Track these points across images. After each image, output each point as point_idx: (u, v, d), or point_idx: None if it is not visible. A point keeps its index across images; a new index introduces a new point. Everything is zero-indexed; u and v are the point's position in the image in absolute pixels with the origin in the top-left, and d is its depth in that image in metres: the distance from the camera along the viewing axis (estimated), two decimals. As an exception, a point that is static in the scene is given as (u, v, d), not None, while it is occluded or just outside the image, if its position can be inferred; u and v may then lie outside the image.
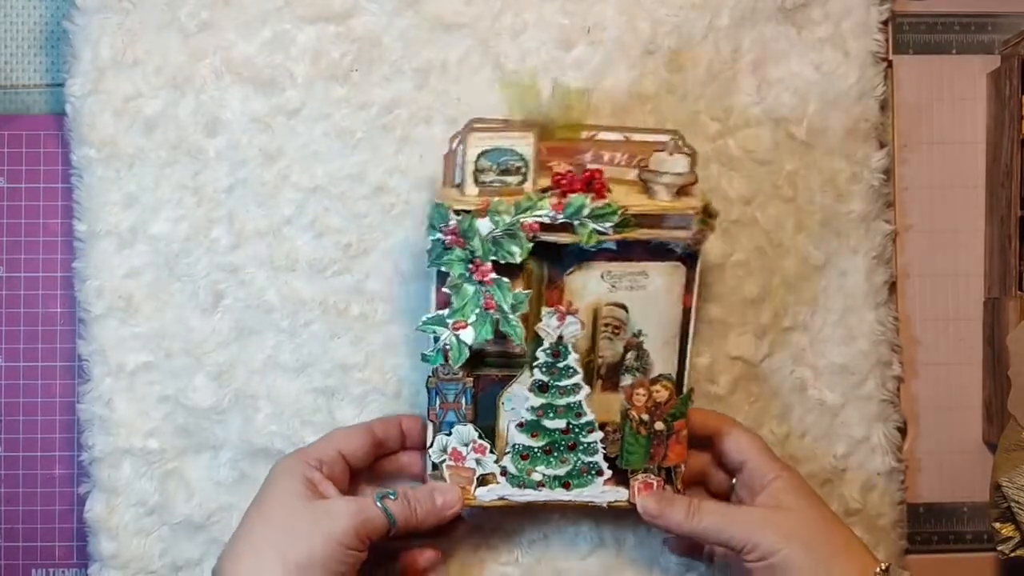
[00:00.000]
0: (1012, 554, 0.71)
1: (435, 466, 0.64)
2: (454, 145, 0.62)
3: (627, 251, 0.62)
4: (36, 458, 0.72)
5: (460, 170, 0.61)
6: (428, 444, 0.64)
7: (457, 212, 0.60)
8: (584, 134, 0.63)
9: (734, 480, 0.65)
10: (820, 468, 0.72)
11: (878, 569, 0.60)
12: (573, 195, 0.60)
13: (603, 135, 0.63)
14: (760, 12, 0.72)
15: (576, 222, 0.60)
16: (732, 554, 0.62)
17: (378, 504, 0.61)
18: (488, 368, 0.64)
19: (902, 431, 0.74)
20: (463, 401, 0.63)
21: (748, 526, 0.61)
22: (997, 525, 0.71)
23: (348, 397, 0.70)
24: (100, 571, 0.69)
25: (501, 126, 0.62)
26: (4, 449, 0.72)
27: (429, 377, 0.63)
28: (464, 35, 0.71)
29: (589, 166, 0.62)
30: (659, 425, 0.64)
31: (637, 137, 0.63)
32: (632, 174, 0.63)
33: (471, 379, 0.63)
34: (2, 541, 0.72)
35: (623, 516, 0.71)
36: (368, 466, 0.66)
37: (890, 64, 0.75)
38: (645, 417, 0.63)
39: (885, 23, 0.74)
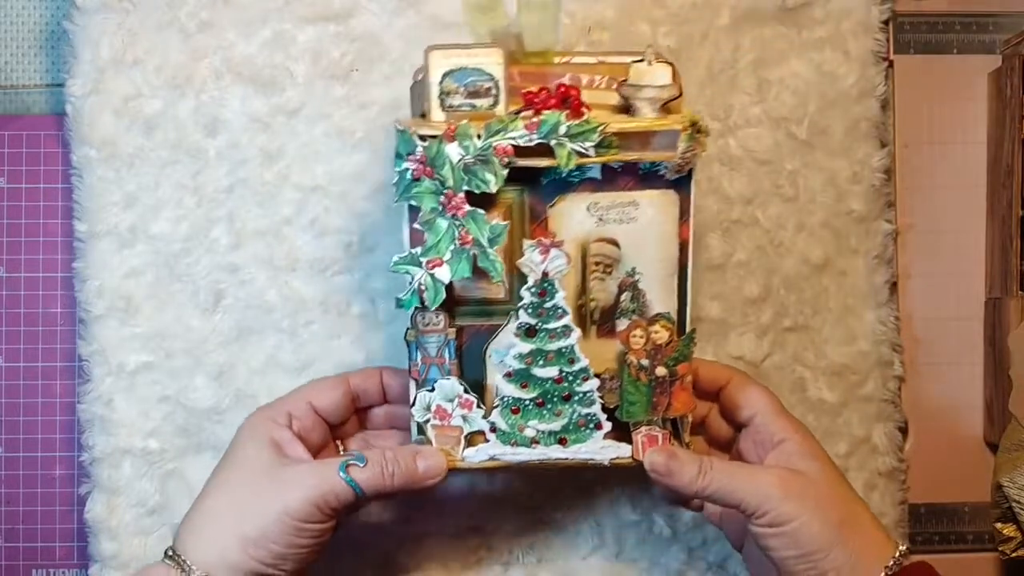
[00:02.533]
0: (1013, 554, 0.71)
1: (420, 428, 0.59)
2: (418, 77, 0.57)
3: (613, 179, 0.57)
4: (36, 458, 0.72)
5: (425, 92, 0.55)
6: (411, 403, 0.59)
7: (423, 138, 0.55)
8: (557, 60, 0.58)
9: (740, 433, 0.62)
10: (821, 468, 0.72)
11: (897, 553, 0.57)
12: (547, 112, 0.55)
13: (578, 59, 0.59)
14: (760, 12, 0.72)
15: (553, 142, 0.55)
16: (734, 512, 0.58)
17: (341, 474, 0.56)
18: (471, 318, 0.58)
19: (903, 431, 0.74)
20: (446, 355, 0.58)
21: (762, 490, 0.56)
22: (998, 525, 0.71)
23: (348, 397, 0.70)
24: (100, 571, 0.69)
25: (467, 47, 0.56)
26: (4, 449, 0.72)
27: (408, 330, 0.58)
28: (464, 35, 0.70)
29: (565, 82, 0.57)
30: (660, 370, 0.58)
31: (613, 60, 0.58)
32: (613, 99, 0.57)
33: (453, 330, 0.58)
34: (2, 541, 0.72)
35: (623, 516, 0.71)
36: (346, 419, 0.63)
37: (891, 64, 0.75)
38: (645, 362, 0.58)
39: (886, 23, 0.74)
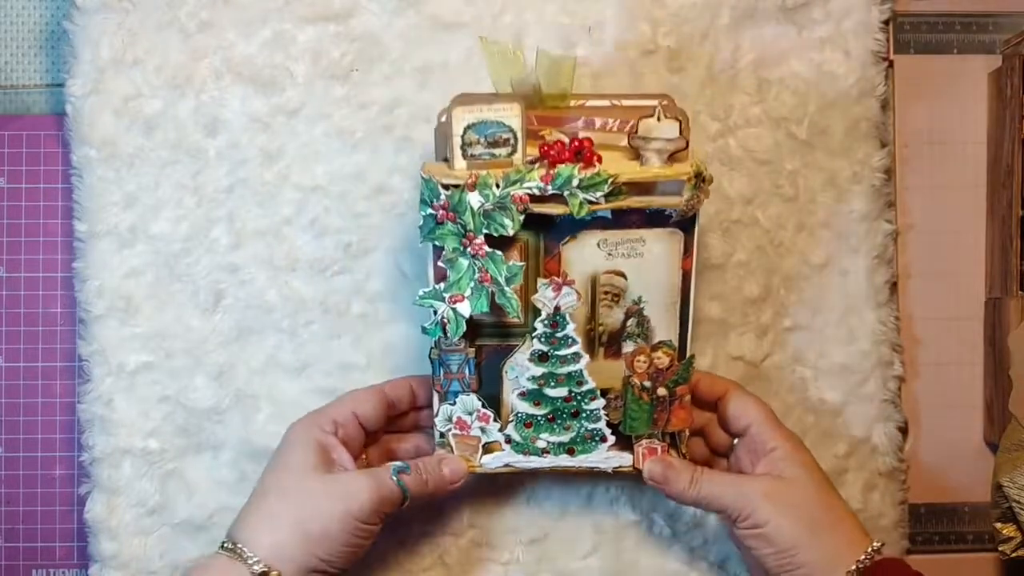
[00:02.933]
0: (1013, 554, 0.71)
1: (442, 435, 0.65)
2: (442, 119, 0.61)
3: (622, 219, 0.61)
4: (36, 458, 0.72)
5: (448, 143, 0.60)
6: (435, 414, 0.65)
7: (446, 187, 0.60)
8: (573, 102, 0.63)
9: (735, 441, 0.66)
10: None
11: (870, 548, 0.61)
12: (561, 166, 0.59)
13: (592, 102, 0.63)
14: (761, 12, 0.72)
15: (566, 192, 0.59)
16: (727, 520, 0.64)
17: (393, 478, 0.62)
18: (490, 339, 0.64)
19: (903, 431, 0.74)
20: (466, 371, 0.64)
21: (744, 496, 0.62)
22: (998, 525, 0.71)
23: (348, 397, 0.70)
24: (100, 571, 0.69)
25: (487, 99, 0.60)
26: (4, 449, 0.72)
27: (432, 348, 0.63)
28: (464, 35, 0.71)
29: (580, 134, 0.61)
30: (661, 391, 0.63)
31: (627, 103, 0.62)
32: (625, 140, 0.61)
33: (473, 349, 0.63)
34: (2, 541, 0.72)
35: (623, 516, 0.71)
36: (381, 427, 0.66)
37: (891, 64, 0.75)
38: (647, 383, 0.63)
39: (886, 23, 0.74)
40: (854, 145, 0.72)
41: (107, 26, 0.69)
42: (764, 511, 0.61)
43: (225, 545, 0.60)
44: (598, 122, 0.62)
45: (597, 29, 0.71)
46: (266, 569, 0.58)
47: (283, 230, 0.70)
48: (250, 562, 0.58)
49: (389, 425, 0.67)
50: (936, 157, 0.76)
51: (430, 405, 0.66)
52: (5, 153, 0.73)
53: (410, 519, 0.70)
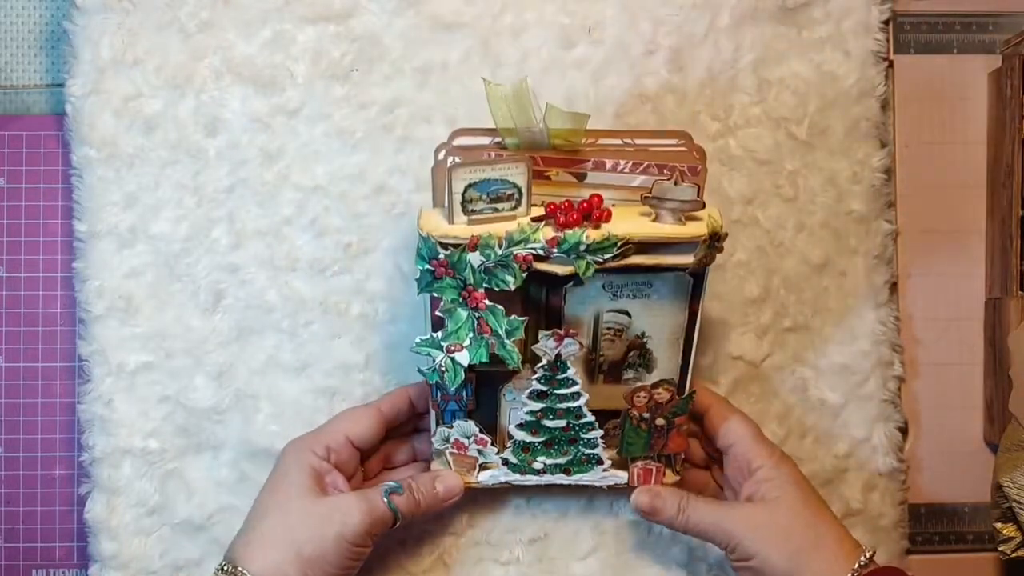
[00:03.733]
0: (1013, 554, 0.70)
1: (440, 452, 0.65)
2: (439, 157, 0.59)
3: (630, 268, 0.58)
4: (36, 458, 0.72)
5: (447, 200, 0.57)
6: (432, 432, 0.65)
7: (444, 246, 0.57)
8: (584, 140, 0.60)
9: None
10: (821, 468, 0.72)
11: (862, 558, 0.61)
12: (569, 231, 0.56)
13: (603, 140, 0.60)
14: (761, 12, 0.72)
15: (573, 256, 0.57)
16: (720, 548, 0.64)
17: (385, 500, 0.62)
18: (488, 365, 0.61)
19: (903, 431, 0.74)
20: (464, 394, 0.63)
21: (729, 528, 0.63)
22: (998, 525, 0.71)
23: (349, 397, 0.70)
24: (100, 572, 0.69)
25: (490, 161, 0.57)
26: (4, 449, 0.72)
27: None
28: (464, 35, 0.71)
29: (589, 175, 0.58)
30: (660, 421, 0.64)
31: (640, 141, 0.60)
32: (638, 180, 0.59)
33: (472, 375, 0.63)
34: (2, 541, 0.72)
35: (623, 516, 0.71)
36: (377, 446, 0.67)
37: (891, 64, 0.75)
38: (646, 415, 0.63)
39: (886, 23, 0.74)
40: (854, 145, 0.72)
41: (107, 26, 0.69)
42: (751, 544, 0.62)
43: (224, 568, 0.60)
44: (608, 163, 0.59)
45: (597, 29, 0.71)
46: None
47: (283, 230, 0.70)
48: None
49: (388, 435, 0.67)
50: (936, 157, 0.76)
51: (428, 411, 0.65)
52: (5, 153, 0.73)
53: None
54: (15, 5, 0.74)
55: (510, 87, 0.57)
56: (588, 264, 0.57)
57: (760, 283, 0.72)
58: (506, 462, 0.65)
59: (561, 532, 0.71)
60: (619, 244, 0.56)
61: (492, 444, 0.64)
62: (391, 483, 0.63)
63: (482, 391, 0.64)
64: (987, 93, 0.76)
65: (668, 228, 0.57)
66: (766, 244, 0.72)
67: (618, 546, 0.71)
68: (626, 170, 0.59)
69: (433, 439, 0.65)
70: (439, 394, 0.63)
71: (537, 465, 0.64)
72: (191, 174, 0.70)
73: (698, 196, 0.58)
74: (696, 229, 0.57)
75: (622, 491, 0.70)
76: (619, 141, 0.60)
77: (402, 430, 0.68)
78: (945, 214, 0.75)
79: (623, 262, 0.57)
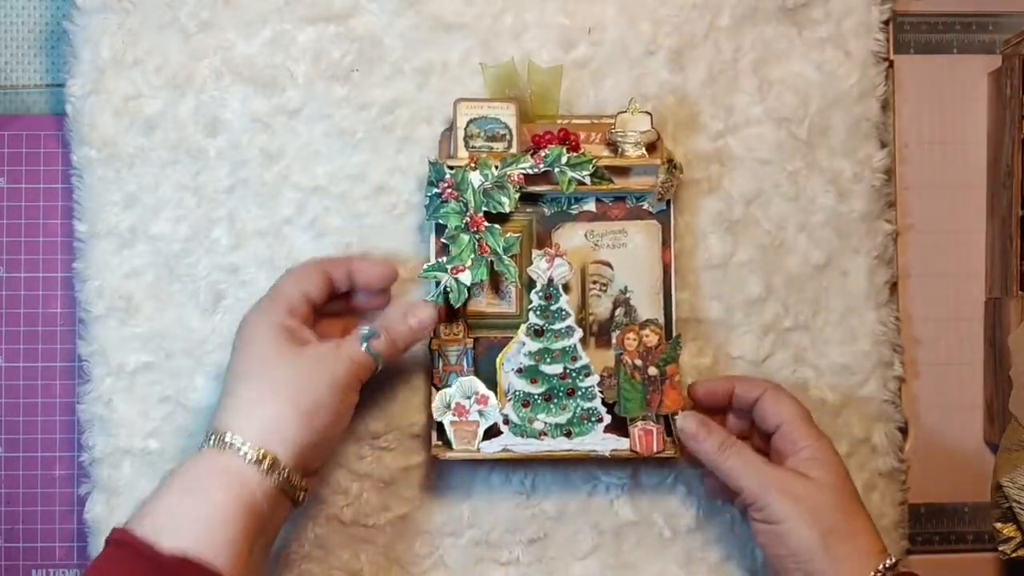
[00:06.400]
0: (1013, 554, 0.71)
1: (440, 427, 0.66)
2: (446, 130, 0.68)
3: (605, 211, 0.69)
4: (36, 458, 0.72)
5: (452, 135, 0.67)
6: (432, 403, 0.66)
7: (450, 168, 0.66)
8: (560, 121, 0.69)
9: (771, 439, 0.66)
10: (821, 468, 0.72)
11: (883, 564, 0.61)
12: (551, 147, 0.67)
13: (576, 120, 0.69)
14: (761, 12, 0.72)
15: (556, 170, 0.66)
16: (743, 506, 0.64)
17: (363, 347, 0.62)
18: (486, 330, 0.68)
19: (903, 431, 0.74)
20: (464, 363, 0.67)
21: (764, 484, 0.62)
22: (998, 525, 0.71)
23: (349, 397, 0.70)
24: (100, 571, 0.69)
25: (485, 98, 0.69)
26: (4, 449, 0.72)
27: (431, 339, 0.67)
28: (465, 35, 0.71)
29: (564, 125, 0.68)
30: (652, 370, 0.66)
31: (606, 120, 0.69)
32: (605, 151, 0.68)
33: (471, 340, 0.67)
34: (2, 541, 0.72)
35: (623, 516, 0.71)
36: (327, 301, 0.65)
37: (891, 64, 0.75)
38: (638, 362, 0.66)
39: (886, 23, 0.74)
40: (855, 145, 0.72)
41: (107, 26, 0.69)
42: (781, 508, 0.61)
43: (210, 439, 0.57)
44: (582, 135, 0.68)
45: (597, 29, 0.71)
46: (259, 454, 0.57)
47: (283, 230, 0.70)
48: (241, 451, 0.57)
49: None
50: (936, 157, 0.76)
51: (372, 288, 0.66)
52: (5, 153, 0.73)
53: (409, 517, 0.70)
54: (15, 5, 0.74)
55: (501, 65, 0.69)
56: (570, 180, 0.67)
57: (761, 283, 0.72)
58: (507, 420, 0.66)
59: (561, 532, 0.71)
60: (592, 160, 0.67)
61: (495, 399, 0.66)
62: (365, 329, 0.62)
63: (481, 364, 0.67)
64: (987, 93, 0.76)
65: (632, 157, 0.68)
66: (767, 244, 0.72)
67: (618, 546, 0.71)
68: (596, 141, 0.69)
69: (433, 410, 0.66)
70: (440, 364, 0.67)
71: (538, 425, 0.66)
72: (191, 174, 0.70)
73: (651, 126, 0.68)
74: (655, 155, 0.68)
75: (622, 491, 0.70)
76: (588, 121, 0.69)
77: (333, 308, 0.67)
78: (945, 214, 0.76)
79: (599, 186, 0.67)
